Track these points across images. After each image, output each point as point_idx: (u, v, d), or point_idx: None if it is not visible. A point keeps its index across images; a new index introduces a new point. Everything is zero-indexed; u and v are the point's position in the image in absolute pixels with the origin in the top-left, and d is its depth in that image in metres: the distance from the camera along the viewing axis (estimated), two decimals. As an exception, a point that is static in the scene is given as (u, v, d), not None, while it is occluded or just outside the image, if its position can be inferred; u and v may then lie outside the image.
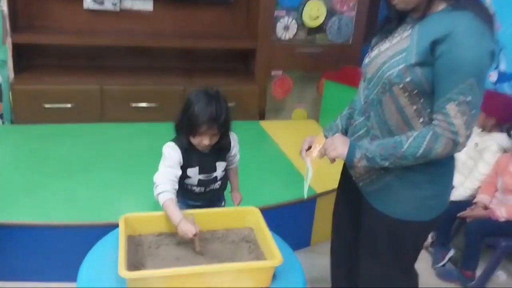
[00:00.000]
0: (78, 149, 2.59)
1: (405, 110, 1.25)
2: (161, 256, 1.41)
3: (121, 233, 1.37)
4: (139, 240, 1.46)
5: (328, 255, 1.74)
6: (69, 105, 2.88)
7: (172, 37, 3.19)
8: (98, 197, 2.14)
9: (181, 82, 3.09)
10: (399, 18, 1.30)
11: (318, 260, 2.21)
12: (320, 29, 3.23)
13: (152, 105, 3.02)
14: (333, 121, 1.57)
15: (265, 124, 3.20)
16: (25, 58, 3.08)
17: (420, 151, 1.21)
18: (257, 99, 3.25)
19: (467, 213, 2.24)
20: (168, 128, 1.59)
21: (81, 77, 3.01)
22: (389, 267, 1.44)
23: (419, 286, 1.56)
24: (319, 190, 2.32)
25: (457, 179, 1.45)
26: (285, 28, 3.17)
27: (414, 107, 1.24)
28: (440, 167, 1.30)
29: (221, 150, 1.61)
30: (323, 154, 1.37)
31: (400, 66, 1.21)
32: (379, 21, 1.40)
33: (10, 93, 2.87)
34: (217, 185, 1.65)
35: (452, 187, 1.45)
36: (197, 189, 1.61)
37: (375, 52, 1.34)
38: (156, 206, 1.51)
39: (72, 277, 1.41)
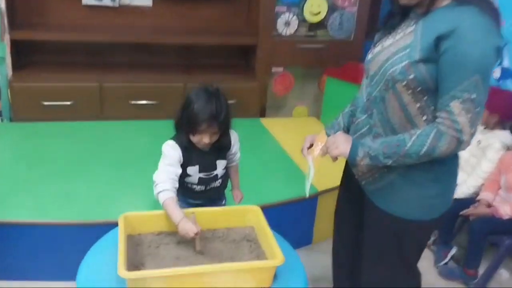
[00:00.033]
0: (77, 147, 2.58)
1: (408, 108, 1.24)
2: (161, 255, 1.39)
3: (121, 232, 1.36)
4: (138, 239, 1.45)
5: (330, 254, 1.73)
6: (68, 103, 2.86)
7: (172, 33, 3.17)
8: (97, 196, 2.13)
9: (181, 79, 3.07)
10: (402, 13, 1.28)
11: (320, 258, 2.20)
12: (321, 25, 3.20)
13: (152, 102, 3.00)
14: (334, 119, 1.55)
15: (266, 122, 3.18)
16: (24, 55, 3.06)
17: (424, 150, 1.20)
18: (258, 96, 3.23)
19: (470, 211, 2.23)
20: (168, 125, 1.58)
21: (80, 74, 2.99)
22: (392, 267, 1.43)
23: (422, 286, 1.54)
24: (320, 188, 2.30)
25: (460, 176, 1.44)
26: (286, 24, 3.14)
27: (418, 104, 1.22)
28: (444, 165, 1.29)
29: (221, 148, 1.59)
30: (325, 152, 1.35)
31: (404, 63, 1.19)
32: (382, 16, 1.38)
33: (9, 90, 2.85)
34: (217, 183, 1.63)
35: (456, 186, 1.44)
36: (197, 188, 1.60)
37: (378, 48, 1.32)
38: (156, 204, 1.49)
39: (71, 276, 1.40)
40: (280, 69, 3.32)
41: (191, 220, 1.39)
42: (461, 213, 2.26)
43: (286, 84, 3.39)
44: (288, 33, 3.17)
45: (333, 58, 3.23)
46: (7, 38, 2.81)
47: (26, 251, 1.95)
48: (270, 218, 1.50)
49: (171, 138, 1.54)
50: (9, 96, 2.86)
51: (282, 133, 2.98)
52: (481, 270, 2.22)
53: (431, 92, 1.20)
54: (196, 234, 1.36)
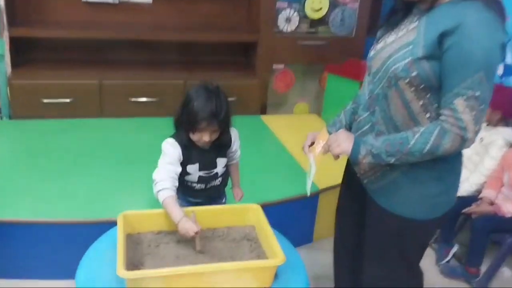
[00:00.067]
0: (77, 144, 2.57)
1: (411, 105, 1.22)
2: (161, 254, 1.38)
3: (120, 231, 1.35)
4: (138, 238, 1.44)
5: (331, 252, 1.72)
6: (67, 100, 2.85)
7: (172, 30, 3.15)
8: (96, 194, 2.11)
9: (181, 76, 3.05)
10: (405, 9, 1.26)
11: (321, 256, 2.19)
12: (323, 21, 3.18)
13: (152, 99, 2.98)
14: (336, 116, 1.53)
15: (267, 119, 3.16)
16: (23, 52, 3.04)
17: (427, 147, 1.18)
18: (258, 93, 3.22)
19: (472, 209, 2.21)
20: (168, 123, 1.57)
21: (80, 72, 2.98)
22: (394, 266, 1.41)
23: (424, 285, 1.53)
24: (321, 186, 2.29)
25: (462, 174, 1.43)
26: (287, 20, 3.12)
27: (421, 102, 1.20)
28: (447, 163, 1.27)
29: (221, 146, 1.58)
30: (326, 150, 1.33)
31: (407, 60, 1.17)
32: (384, 12, 1.36)
33: (8, 88, 2.84)
34: (217, 181, 1.62)
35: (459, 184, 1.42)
36: (197, 186, 1.59)
37: (380, 44, 1.30)
38: (156, 203, 1.48)
39: (70, 275, 1.39)
40: (281, 66, 3.30)
41: (191, 219, 1.38)
42: (463, 211, 2.24)
43: (287, 81, 3.37)
44: (289, 29, 3.15)
45: (335, 55, 3.22)
46: (6, 35, 2.79)
47: (24, 250, 1.94)
48: (271, 216, 1.49)
49: (171, 136, 1.53)
50: (8, 93, 2.85)
51: (283, 130, 2.96)
52: (483, 269, 2.20)
53: (434, 89, 1.18)
54: (196, 233, 1.35)
